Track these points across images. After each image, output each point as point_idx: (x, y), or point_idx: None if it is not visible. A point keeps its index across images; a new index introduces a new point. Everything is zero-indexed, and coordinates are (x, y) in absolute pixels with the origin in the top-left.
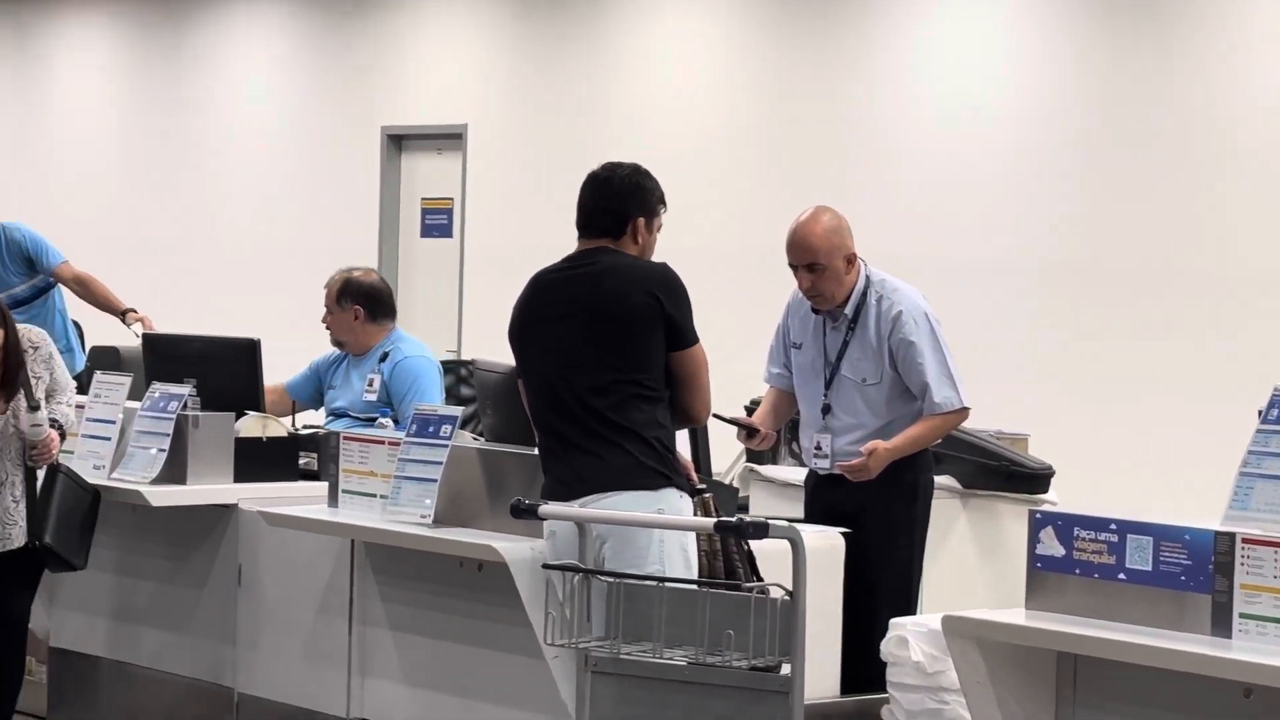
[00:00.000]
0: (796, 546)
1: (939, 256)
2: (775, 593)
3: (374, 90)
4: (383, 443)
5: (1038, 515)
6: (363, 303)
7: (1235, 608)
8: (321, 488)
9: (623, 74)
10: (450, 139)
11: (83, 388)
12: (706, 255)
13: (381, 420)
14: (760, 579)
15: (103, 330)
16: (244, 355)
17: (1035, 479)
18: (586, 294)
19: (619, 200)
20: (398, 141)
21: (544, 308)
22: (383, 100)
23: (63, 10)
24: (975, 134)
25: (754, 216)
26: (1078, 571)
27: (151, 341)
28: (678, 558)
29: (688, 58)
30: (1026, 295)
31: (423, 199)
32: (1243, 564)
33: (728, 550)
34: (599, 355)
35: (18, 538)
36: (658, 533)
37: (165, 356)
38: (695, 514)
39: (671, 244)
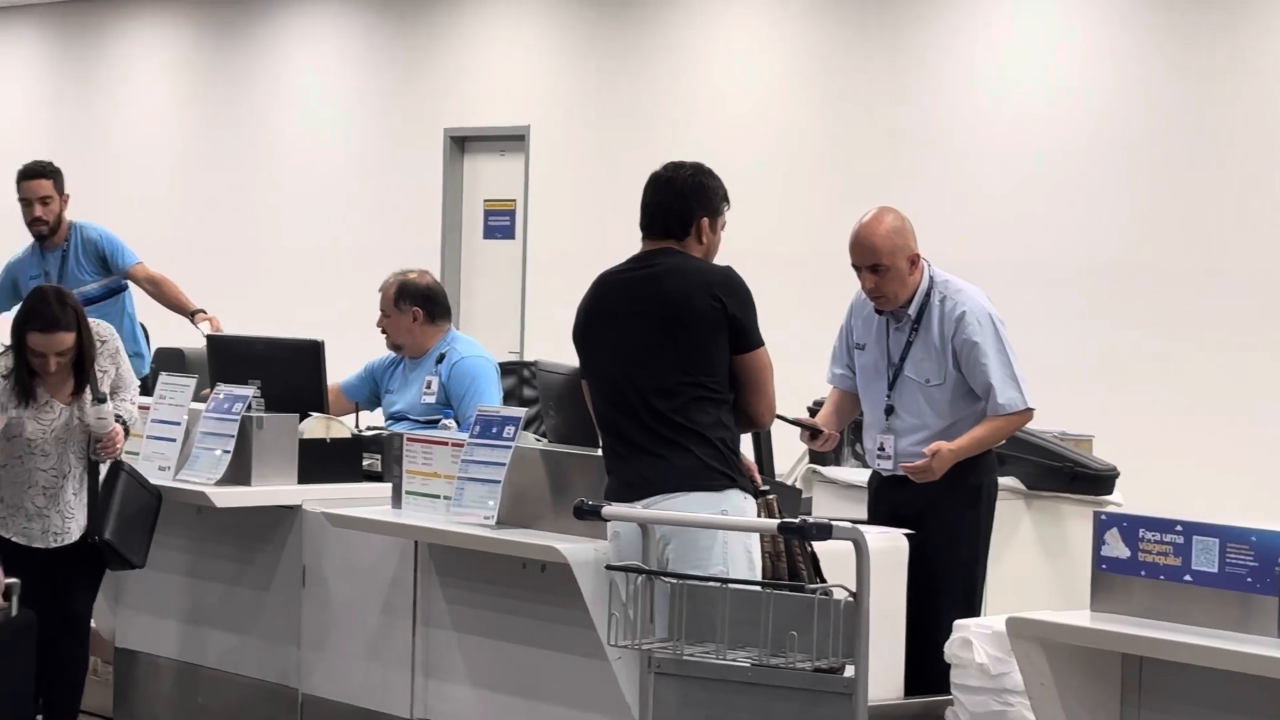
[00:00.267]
0: (860, 548)
1: (1003, 257)
2: (839, 594)
3: (437, 92)
4: (446, 444)
5: (1102, 517)
6: (421, 304)
7: None
8: (385, 489)
9: (685, 75)
10: (513, 140)
11: (148, 392)
12: (771, 258)
13: (445, 421)
14: (824, 580)
15: (167, 332)
16: (308, 357)
17: (1100, 480)
18: (650, 295)
19: (682, 200)
20: (460, 143)
21: (609, 309)
22: (445, 102)
23: (129, 14)
24: (1044, 132)
25: (817, 217)
26: (1143, 573)
27: (215, 343)
28: (741, 559)
29: (751, 58)
30: (1091, 295)
31: (485, 200)
32: None
33: (791, 551)
34: (664, 357)
35: (75, 532)
36: (721, 534)
37: (229, 358)
38: (759, 515)
39: (732, 245)
